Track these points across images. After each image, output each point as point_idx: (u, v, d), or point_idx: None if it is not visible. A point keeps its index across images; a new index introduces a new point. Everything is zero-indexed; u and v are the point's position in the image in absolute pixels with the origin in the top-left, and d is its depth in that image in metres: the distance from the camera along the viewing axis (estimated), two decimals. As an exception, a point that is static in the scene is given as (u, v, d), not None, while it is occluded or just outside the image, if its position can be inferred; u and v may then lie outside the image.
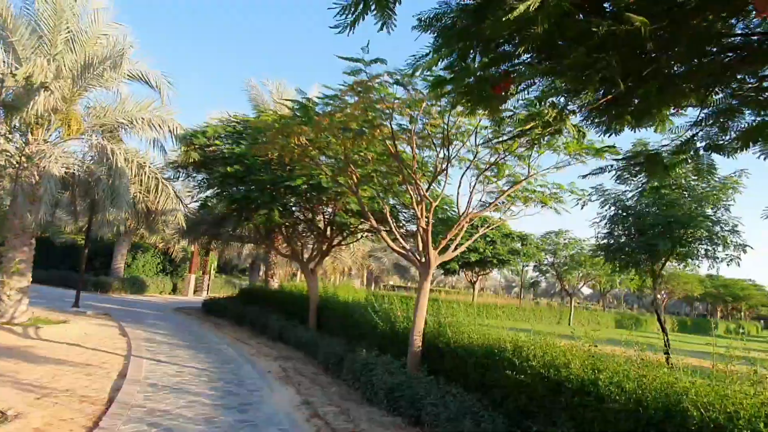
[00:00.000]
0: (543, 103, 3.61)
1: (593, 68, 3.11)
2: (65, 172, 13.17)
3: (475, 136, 8.07)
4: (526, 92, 4.04)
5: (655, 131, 4.62)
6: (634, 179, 13.14)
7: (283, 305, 15.99)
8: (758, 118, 4.14)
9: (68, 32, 13.89)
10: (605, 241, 13.89)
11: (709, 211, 12.04)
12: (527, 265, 41.77)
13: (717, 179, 12.29)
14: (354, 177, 9.00)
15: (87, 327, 13.42)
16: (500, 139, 4.16)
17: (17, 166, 12.95)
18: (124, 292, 27.88)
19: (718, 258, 12.08)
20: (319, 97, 8.43)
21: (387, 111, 7.50)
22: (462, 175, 8.47)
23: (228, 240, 21.17)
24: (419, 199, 8.22)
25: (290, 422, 6.42)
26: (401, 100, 7.55)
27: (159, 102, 14.98)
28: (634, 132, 4.71)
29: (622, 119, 3.89)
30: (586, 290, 58.34)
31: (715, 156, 4.88)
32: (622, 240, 13.62)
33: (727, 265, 12.32)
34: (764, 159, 3.96)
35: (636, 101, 3.79)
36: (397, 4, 3.16)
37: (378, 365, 7.83)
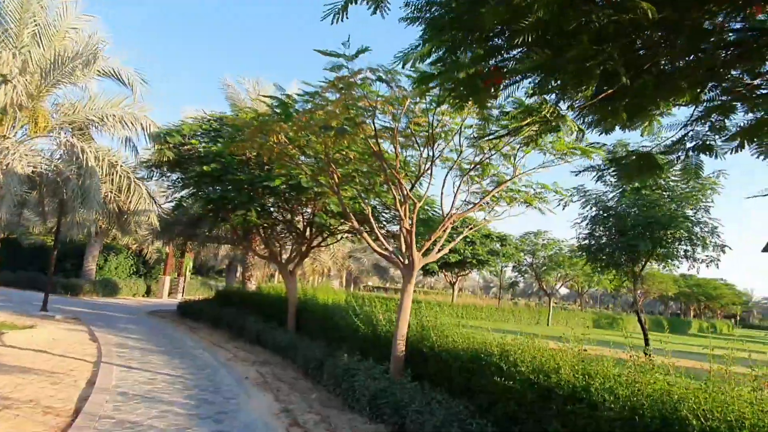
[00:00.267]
0: (540, 98, 3.42)
1: (595, 60, 2.94)
2: (32, 171, 12.62)
3: (460, 135, 7.91)
4: (516, 88, 3.89)
5: (642, 134, 4.51)
6: (615, 180, 13.30)
7: (261, 307, 15.63)
8: (751, 117, 4.06)
9: (35, 25, 13.34)
10: (586, 241, 13.89)
11: (689, 212, 12.11)
12: (506, 266, 41.98)
13: (696, 180, 12.39)
14: (335, 176, 8.75)
15: (55, 332, 12.86)
16: (495, 134, 3.98)
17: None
18: (95, 294, 27.06)
19: (698, 259, 12.16)
20: (298, 95, 8.15)
21: (370, 108, 7.26)
22: (446, 175, 8.29)
23: (204, 241, 20.67)
24: (402, 199, 8.01)
25: (269, 431, 6.15)
26: (384, 97, 7.33)
27: (131, 99, 14.53)
28: (624, 132, 4.57)
29: (617, 116, 3.74)
30: (563, 290, 58.96)
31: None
32: (603, 240, 13.66)
33: (707, 266, 12.44)
34: (762, 158, 3.84)
35: (630, 98, 3.66)
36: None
37: (360, 370, 7.59)
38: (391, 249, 8.36)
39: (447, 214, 8.17)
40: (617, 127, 4.32)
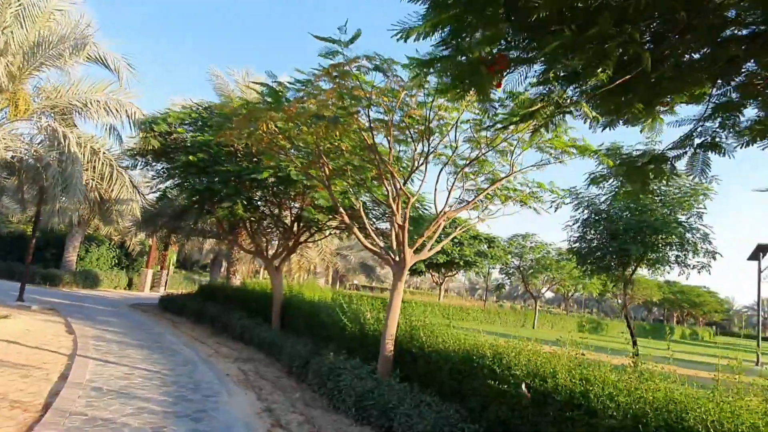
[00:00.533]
0: (546, 88, 3.19)
1: (615, 41, 2.71)
2: (11, 156, 12.17)
3: (456, 130, 7.67)
4: (522, 77, 3.66)
5: (642, 131, 4.31)
6: (608, 183, 13.17)
7: (245, 303, 15.29)
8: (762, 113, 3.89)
9: (18, 5, 12.85)
10: (577, 244, 13.74)
11: (682, 217, 12.00)
12: (493, 268, 41.93)
13: (688, 185, 12.30)
14: (326, 169, 8.47)
15: (30, 323, 12.41)
16: (506, 121, 3.73)
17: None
18: (75, 286, 26.44)
19: (689, 265, 12.05)
20: (290, 83, 7.85)
21: (364, 98, 6.99)
22: (440, 171, 8.06)
23: (188, 234, 20.20)
24: (395, 193, 7.75)
25: (250, 432, 5.86)
26: (379, 88, 7.07)
27: (117, 85, 14.09)
28: (628, 127, 4.37)
29: (630, 107, 3.53)
30: (548, 294, 59.12)
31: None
32: (594, 244, 13.51)
33: (699, 272, 12.32)
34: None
35: (646, 87, 3.44)
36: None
37: (346, 370, 7.33)
38: (382, 245, 8.10)
39: (440, 211, 7.93)
40: (620, 123, 4.13)
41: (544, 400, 4.80)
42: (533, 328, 38.78)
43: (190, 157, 12.12)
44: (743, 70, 3.74)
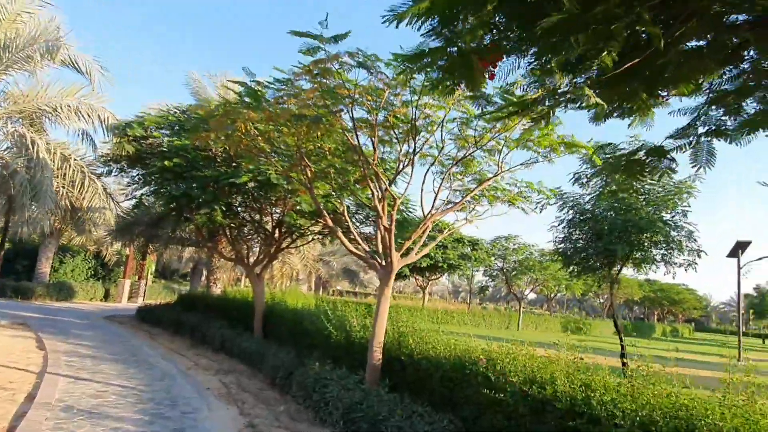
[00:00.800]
0: (551, 72, 2.96)
1: (622, 21, 2.49)
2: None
3: (441, 129, 7.45)
4: (517, 64, 3.44)
5: (630, 126, 4.14)
6: (592, 182, 13.09)
7: (226, 312, 14.84)
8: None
9: (-18, 5, 12.31)
10: (563, 245, 13.63)
11: (666, 216, 11.95)
12: (477, 270, 41.89)
13: (671, 183, 12.28)
14: (308, 171, 8.17)
15: (-2, 339, 11.83)
16: (506, 111, 3.51)
17: None
18: (49, 298, 25.53)
19: (675, 263, 12.00)
20: (269, 82, 7.53)
21: (348, 97, 6.72)
22: (426, 171, 7.82)
23: (166, 242, 19.64)
24: (381, 195, 7.49)
25: (231, 451, 5.52)
26: (363, 87, 6.80)
27: (89, 89, 13.59)
28: (623, 119, 4.19)
29: (634, 96, 3.32)
30: (531, 295, 59.41)
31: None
32: (580, 244, 13.40)
33: (685, 270, 12.27)
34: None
35: (652, 74, 3.24)
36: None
37: (333, 380, 7.01)
38: (367, 249, 7.82)
39: (427, 213, 7.68)
40: (615, 115, 3.95)
41: (543, 408, 4.56)
42: (518, 329, 38.79)
43: (166, 163, 11.69)
44: (746, 57, 3.59)
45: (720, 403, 3.59)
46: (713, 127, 3.98)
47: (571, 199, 13.29)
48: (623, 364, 11.46)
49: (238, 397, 8.05)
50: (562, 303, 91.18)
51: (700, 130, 4.00)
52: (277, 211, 13.71)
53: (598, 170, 6.82)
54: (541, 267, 36.91)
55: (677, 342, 38.85)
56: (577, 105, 3.10)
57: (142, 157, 13.80)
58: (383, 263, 7.36)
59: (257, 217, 14.48)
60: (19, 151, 12.04)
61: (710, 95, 3.89)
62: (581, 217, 13.30)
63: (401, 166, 7.74)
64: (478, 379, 5.42)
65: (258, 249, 15.83)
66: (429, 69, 3.89)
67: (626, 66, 2.77)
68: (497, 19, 3.18)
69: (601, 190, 12.85)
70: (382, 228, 7.41)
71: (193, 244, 19.57)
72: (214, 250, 17.59)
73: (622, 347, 12.47)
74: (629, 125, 4.18)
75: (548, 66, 2.92)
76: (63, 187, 14.19)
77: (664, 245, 12.26)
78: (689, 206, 12.08)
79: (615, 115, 3.82)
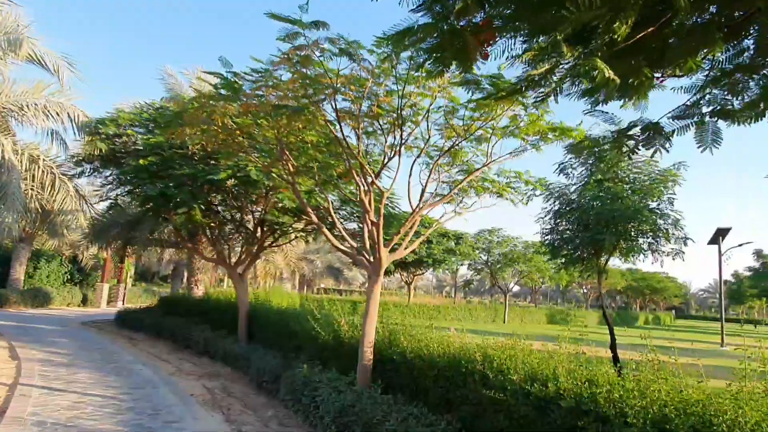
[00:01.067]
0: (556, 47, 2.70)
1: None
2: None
3: (427, 119, 7.18)
4: (511, 44, 3.21)
5: (622, 106, 3.93)
6: (577, 172, 12.96)
7: (208, 315, 14.40)
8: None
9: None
10: (549, 236, 13.49)
11: (653, 204, 11.88)
12: (461, 264, 41.84)
13: (656, 171, 12.23)
14: (290, 166, 7.84)
15: (-33, 350, 11.27)
16: (513, 87, 3.26)
17: None
18: (24, 305, 24.65)
19: (663, 252, 11.94)
20: (246, 73, 7.16)
21: (330, 86, 6.41)
22: (413, 162, 7.54)
23: (145, 244, 19.03)
24: (367, 188, 7.20)
25: (217, 463, 5.20)
26: (345, 77, 6.50)
27: (58, 86, 13.02)
28: (622, 101, 3.98)
29: (639, 72, 3.10)
30: (515, 287, 59.71)
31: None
32: (567, 235, 13.28)
33: (673, 259, 12.22)
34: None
35: (659, 47, 3.02)
36: None
37: (322, 382, 6.73)
38: (354, 245, 7.53)
39: (416, 206, 7.42)
40: (614, 97, 3.73)
41: (546, 407, 4.34)
42: (504, 322, 38.87)
43: (141, 161, 11.23)
44: (752, 32, 3.41)
45: (735, 397, 3.40)
46: (718, 107, 3.79)
47: (557, 189, 13.16)
48: (614, 356, 11.39)
49: (224, 403, 7.72)
50: (546, 294, 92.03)
51: (705, 109, 3.81)
52: (259, 209, 13.34)
53: (586, 144, 6.51)
54: (525, 259, 37.00)
55: (660, 330, 39.39)
56: (581, 88, 2.86)
57: (116, 157, 13.30)
58: (371, 259, 7.08)
59: (238, 215, 14.09)
60: (-16, 153, 11.47)
61: (713, 73, 3.70)
62: (567, 208, 13.17)
63: (386, 159, 7.46)
64: (476, 378, 5.18)
65: (240, 249, 15.44)
66: (419, 46, 3.66)
67: (638, 36, 2.53)
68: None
69: (586, 180, 12.78)
70: (369, 222, 7.13)
71: (173, 245, 19.02)
72: (195, 251, 17.11)
73: (612, 338, 12.38)
74: (621, 106, 3.98)
75: (556, 40, 2.66)
76: (32, 189, 13.59)
77: (650, 234, 12.19)
78: (675, 194, 12.04)
79: (617, 95, 3.60)
